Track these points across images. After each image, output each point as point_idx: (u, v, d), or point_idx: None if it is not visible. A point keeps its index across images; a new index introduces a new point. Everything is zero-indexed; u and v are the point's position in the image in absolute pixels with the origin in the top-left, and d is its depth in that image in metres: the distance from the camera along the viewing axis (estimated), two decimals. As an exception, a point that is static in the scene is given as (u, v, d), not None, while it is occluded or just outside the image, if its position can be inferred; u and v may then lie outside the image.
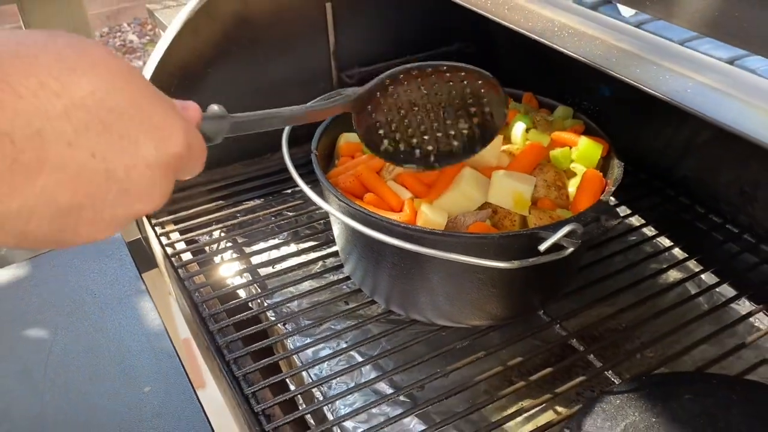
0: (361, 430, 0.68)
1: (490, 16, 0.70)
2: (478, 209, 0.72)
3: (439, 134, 0.70)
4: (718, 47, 0.58)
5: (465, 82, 0.71)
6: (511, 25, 0.67)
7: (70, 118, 0.35)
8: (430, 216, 0.70)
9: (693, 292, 0.85)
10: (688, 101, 0.53)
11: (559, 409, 0.72)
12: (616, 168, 0.75)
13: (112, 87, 0.37)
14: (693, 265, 0.89)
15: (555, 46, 0.63)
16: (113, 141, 0.37)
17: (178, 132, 0.41)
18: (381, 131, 0.69)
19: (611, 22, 0.67)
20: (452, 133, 0.71)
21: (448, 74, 0.70)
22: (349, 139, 0.83)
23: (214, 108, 0.50)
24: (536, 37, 0.65)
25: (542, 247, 0.63)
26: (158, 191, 0.40)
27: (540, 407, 0.70)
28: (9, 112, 0.32)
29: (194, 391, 0.75)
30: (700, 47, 0.58)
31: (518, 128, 0.80)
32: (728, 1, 0.54)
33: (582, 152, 0.78)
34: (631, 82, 0.57)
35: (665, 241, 0.93)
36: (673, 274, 0.90)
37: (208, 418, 0.72)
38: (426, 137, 0.70)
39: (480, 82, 0.71)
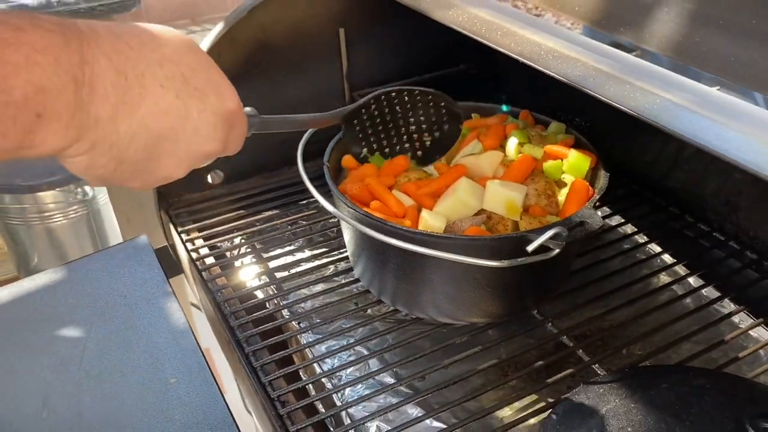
0: (367, 415, 0.74)
1: (485, 42, 0.78)
2: (474, 215, 0.79)
3: (406, 145, 0.88)
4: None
5: (431, 104, 0.86)
6: (503, 50, 0.75)
7: (162, 67, 0.47)
8: (431, 221, 0.77)
9: (680, 293, 0.91)
10: (653, 116, 0.60)
11: (549, 398, 0.78)
12: (602, 178, 0.82)
13: (188, 51, 0.49)
14: (681, 270, 0.95)
15: (540, 68, 0.70)
16: (190, 89, 0.49)
17: (233, 94, 0.53)
18: (363, 140, 0.85)
19: (594, 45, 0.75)
20: (417, 144, 0.88)
21: (418, 97, 0.85)
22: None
23: (247, 108, 0.61)
24: (524, 60, 0.72)
25: (530, 248, 0.70)
26: (219, 135, 0.52)
27: (531, 396, 0.76)
28: (124, 57, 0.44)
29: (216, 382, 0.82)
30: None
31: (512, 143, 0.87)
32: (690, 27, 0.61)
33: (572, 164, 0.85)
34: (605, 99, 0.63)
35: (656, 248, 0.99)
36: (662, 278, 0.95)
37: (228, 407, 0.79)
38: (397, 147, 0.87)
39: (442, 104, 0.87)
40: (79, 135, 0.43)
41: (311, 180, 0.81)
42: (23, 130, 0.39)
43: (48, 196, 1.89)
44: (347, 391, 0.80)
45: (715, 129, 0.57)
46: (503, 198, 0.78)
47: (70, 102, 0.41)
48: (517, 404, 0.77)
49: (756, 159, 0.53)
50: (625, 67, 0.69)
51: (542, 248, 0.70)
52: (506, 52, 0.74)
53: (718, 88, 0.79)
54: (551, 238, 0.69)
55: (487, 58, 1.26)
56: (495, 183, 0.79)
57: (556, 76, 0.68)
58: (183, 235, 1.04)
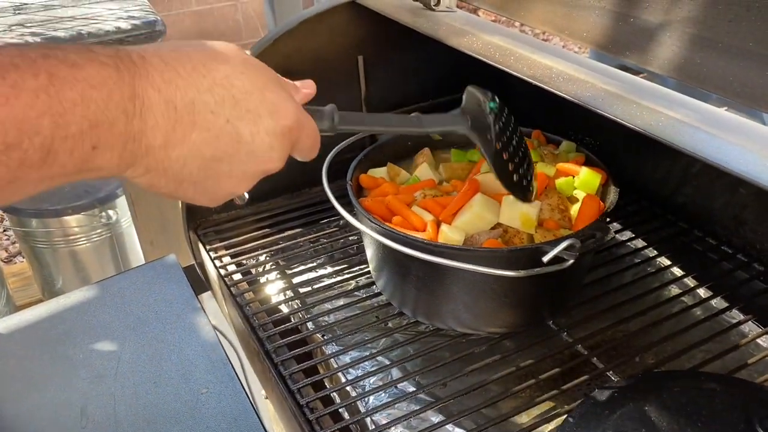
0: (390, 421, 0.78)
1: (499, 66, 0.83)
2: (491, 229, 0.83)
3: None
4: None
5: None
6: (516, 73, 0.80)
7: (213, 93, 0.49)
8: (450, 235, 0.81)
9: (690, 303, 0.94)
10: (659, 132, 0.64)
11: (565, 405, 0.81)
12: (612, 193, 0.86)
13: (240, 73, 0.51)
14: (690, 282, 0.98)
15: (552, 90, 0.75)
16: (242, 113, 0.50)
17: (289, 110, 0.54)
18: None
19: (601, 67, 0.79)
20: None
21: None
22: (372, 174, 0.96)
23: (327, 107, 0.62)
24: (536, 83, 0.77)
25: (545, 258, 0.74)
26: (276, 155, 0.53)
27: (546, 402, 0.80)
28: (173, 87, 0.46)
29: (245, 392, 0.86)
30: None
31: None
32: (691, 50, 0.66)
33: (583, 180, 0.90)
34: (613, 117, 0.68)
35: (666, 261, 1.03)
36: (673, 290, 0.99)
37: (259, 415, 0.83)
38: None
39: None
40: (133, 161, 0.46)
41: (336, 198, 0.86)
42: (80, 159, 0.42)
43: (73, 220, 1.95)
44: (371, 398, 0.83)
45: (716, 143, 0.61)
46: (518, 212, 0.82)
47: (122, 134, 0.44)
48: (535, 410, 0.80)
49: (753, 169, 0.57)
50: (631, 87, 0.73)
51: (557, 259, 0.74)
52: (520, 75, 0.79)
53: (726, 108, 0.83)
54: (565, 249, 0.73)
55: (501, 81, 1.32)
56: (510, 199, 0.83)
57: (567, 96, 0.73)
58: (211, 253, 1.08)
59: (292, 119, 0.54)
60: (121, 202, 1.97)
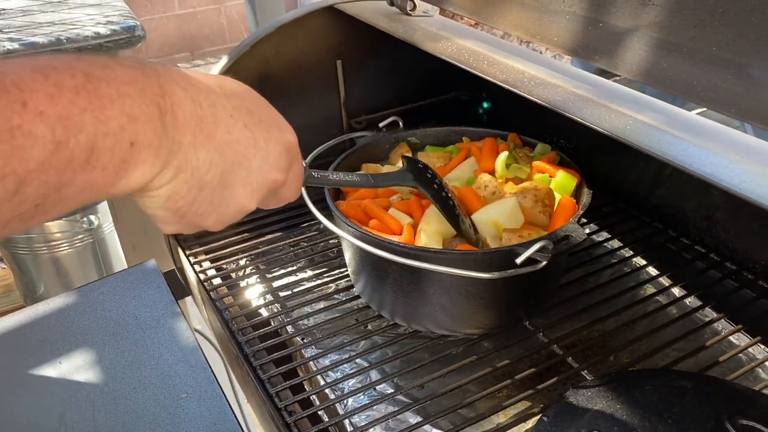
0: (368, 423, 0.79)
1: (472, 71, 0.84)
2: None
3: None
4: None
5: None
6: (488, 77, 0.81)
7: (229, 99, 0.51)
8: (427, 241, 0.82)
9: (664, 302, 0.96)
10: (626, 135, 0.66)
11: (541, 404, 0.82)
12: (585, 195, 0.87)
13: (246, 91, 0.55)
14: (665, 281, 1.00)
15: (523, 94, 0.76)
16: (256, 121, 0.53)
17: (290, 128, 0.57)
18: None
19: (574, 72, 0.81)
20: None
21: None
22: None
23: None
24: (509, 87, 0.78)
25: (518, 260, 0.75)
26: (283, 164, 0.55)
27: (522, 401, 0.81)
28: (195, 89, 0.48)
29: (224, 395, 0.87)
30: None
31: (499, 161, 0.94)
32: (657, 54, 0.67)
33: (559, 183, 0.91)
34: (582, 121, 0.69)
35: (641, 261, 1.04)
36: (648, 289, 1.00)
37: (237, 418, 0.83)
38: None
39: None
40: (167, 161, 0.46)
41: (313, 203, 0.87)
42: (120, 160, 0.42)
43: (54, 226, 1.94)
44: (350, 401, 0.84)
45: (682, 146, 0.63)
46: (491, 223, 0.83)
47: (157, 128, 0.44)
48: (511, 410, 0.81)
49: (718, 171, 0.59)
50: (602, 91, 0.75)
51: (530, 261, 0.75)
52: (492, 79, 0.80)
53: (698, 111, 0.85)
54: (538, 251, 0.74)
55: (478, 85, 1.33)
56: (479, 215, 0.86)
57: (538, 100, 0.74)
58: (191, 258, 1.08)
59: (294, 137, 0.58)
60: (103, 207, 1.96)
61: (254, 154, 0.52)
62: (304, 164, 0.64)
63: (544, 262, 0.76)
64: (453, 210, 0.83)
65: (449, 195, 0.85)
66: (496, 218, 0.85)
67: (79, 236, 1.98)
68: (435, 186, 0.84)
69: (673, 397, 0.74)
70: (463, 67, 0.84)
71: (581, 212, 0.83)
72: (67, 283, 2.04)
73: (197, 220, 0.53)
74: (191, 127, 0.47)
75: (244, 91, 0.54)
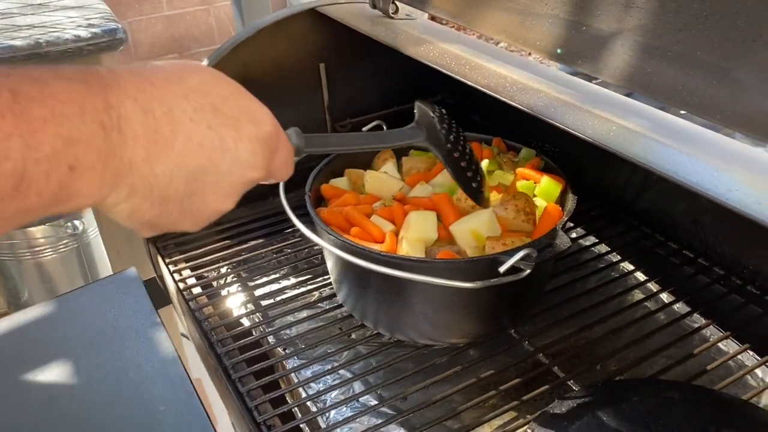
0: (351, 436, 0.77)
1: (454, 75, 0.82)
2: (448, 244, 0.83)
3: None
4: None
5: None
6: (470, 83, 0.79)
7: (189, 100, 0.46)
8: (409, 249, 0.80)
9: (652, 309, 0.94)
10: (608, 142, 0.64)
11: (527, 414, 0.81)
12: (570, 201, 0.85)
13: (215, 81, 0.49)
14: (653, 286, 0.98)
15: (505, 99, 0.74)
16: (221, 119, 0.48)
17: (267, 116, 0.52)
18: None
19: (558, 76, 0.79)
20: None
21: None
22: (334, 184, 0.95)
23: (289, 129, 0.61)
24: (490, 92, 0.76)
25: (501, 269, 0.73)
26: (260, 161, 0.51)
27: (508, 412, 0.79)
28: (148, 95, 0.44)
29: (204, 407, 0.85)
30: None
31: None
32: (641, 58, 0.65)
33: (543, 188, 0.89)
34: (564, 127, 0.67)
35: (629, 266, 1.03)
36: (636, 295, 0.99)
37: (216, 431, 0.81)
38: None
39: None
40: (116, 182, 0.42)
41: (294, 209, 0.85)
42: (57, 185, 0.38)
43: (38, 231, 1.91)
44: (332, 413, 0.82)
45: (667, 152, 0.61)
46: (468, 232, 0.82)
47: (101, 149, 0.40)
48: (497, 421, 0.79)
49: (703, 180, 0.57)
50: (585, 96, 0.73)
51: (514, 269, 0.73)
52: (474, 84, 0.78)
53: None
54: (522, 259, 0.73)
55: (463, 88, 1.31)
56: (456, 225, 0.84)
57: (520, 106, 0.72)
58: (170, 266, 1.06)
59: (272, 125, 0.53)
60: (88, 212, 1.94)
61: (222, 158, 0.48)
62: (295, 135, 0.60)
63: (528, 271, 0.74)
64: (464, 174, 0.79)
65: (466, 156, 0.79)
66: (475, 227, 0.83)
67: (64, 241, 1.96)
68: (449, 145, 0.77)
69: (661, 408, 0.72)
70: (445, 71, 0.82)
71: (566, 219, 0.82)
72: (52, 289, 2.01)
73: (171, 227, 0.50)
74: (143, 142, 0.43)
75: (209, 83, 0.48)
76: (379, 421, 0.79)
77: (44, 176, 0.37)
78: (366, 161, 1.01)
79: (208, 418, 0.83)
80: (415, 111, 0.80)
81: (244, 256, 1.09)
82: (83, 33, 1.41)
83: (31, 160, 0.36)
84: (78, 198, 0.40)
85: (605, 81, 0.76)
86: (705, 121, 0.70)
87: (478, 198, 0.83)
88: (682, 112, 0.70)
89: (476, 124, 1.31)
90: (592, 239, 1.08)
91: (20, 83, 0.37)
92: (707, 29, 0.60)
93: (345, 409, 0.83)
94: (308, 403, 0.83)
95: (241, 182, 0.51)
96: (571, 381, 0.82)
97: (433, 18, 1.02)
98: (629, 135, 0.64)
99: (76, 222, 1.95)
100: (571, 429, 0.71)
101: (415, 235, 0.82)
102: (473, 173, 0.82)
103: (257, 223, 1.16)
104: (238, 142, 0.49)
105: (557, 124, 0.68)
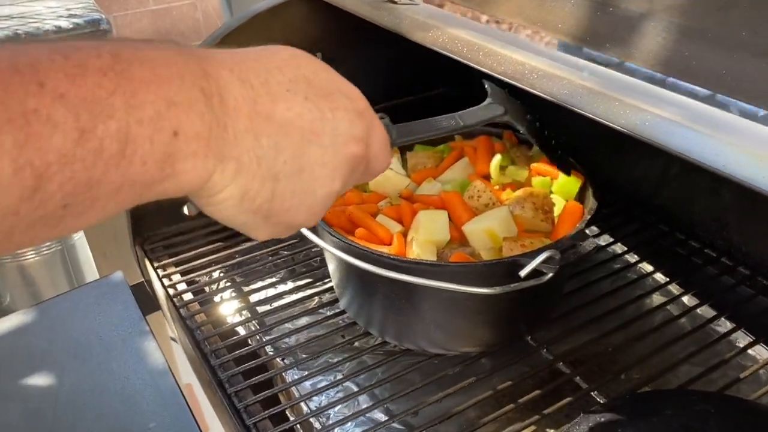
0: (359, 456, 0.71)
1: (467, 62, 0.76)
2: (460, 246, 0.77)
3: None
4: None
5: None
6: (485, 70, 0.73)
7: (283, 72, 0.44)
8: (420, 252, 0.74)
9: (675, 314, 0.89)
10: (646, 133, 0.58)
11: (548, 430, 0.75)
12: (590, 198, 0.79)
13: (303, 56, 0.47)
14: (674, 289, 0.93)
15: (525, 88, 0.68)
16: (317, 90, 0.45)
17: (359, 93, 0.50)
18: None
19: (578, 62, 0.73)
20: None
21: None
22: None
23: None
24: (508, 80, 0.70)
25: (522, 273, 0.67)
26: (359, 133, 0.48)
27: (529, 428, 0.73)
28: (244, 67, 0.42)
29: (197, 424, 0.78)
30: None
31: (493, 165, 0.86)
32: (678, 41, 0.59)
33: (561, 186, 0.83)
34: (594, 117, 0.61)
35: (647, 267, 0.97)
36: (656, 298, 0.93)
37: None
38: None
39: None
40: (222, 154, 0.39)
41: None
42: (162, 153, 0.36)
43: (20, 233, 1.83)
44: (336, 431, 0.76)
45: (711, 144, 0.55)
46: (483, 232, 0.75)
47: (205, 115, 0.38)
48: (515, 437, 0.73)
49: (752, 173, 0.51)
50: (612, 83, 0.67)
51: (535, 272, 0.67)
52: (489, 72, 0.72)
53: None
54: (544, 261, 0.67)
55: (468, 80, 1.25)
56: (469, 225, 0.77)
57: (543, 95, 0.66)
58: (159, 271, 1.00)
59: (364, 101, 0.50)
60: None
61: (323, 128, 0.45)
62: (384, 125, 0.55)
63: (550, 274, 0.68)
64: (549, 142, 0.75)
65: (545, 126, 0.76)
66: (490, 227, 0.77)
67: (47, 244, 1.88)
68: (528, 116, 0.74)
69: (696, 423, 0.66)
70: (457, 58, 0.75)
71: (588, 217, 0.76)
72: (35, 293, 1.94)
73: (288, 218, 0.45)
74: (245, 111, 0.40)
75: (298, 58, 0.46)
76: (389, 438, 0.73)
77: (148, 141, 0.35)
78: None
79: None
80: (486, 87, 0.75)
81: (238, 259, 1.02)
82: (64, 24, 1.34)
83: (135, 121, 0.34)
84: (183, 174, 0.37)
85: (628, 68, 0.70)
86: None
87: (567, 168, 0.80)
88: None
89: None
90: (607, 238, 1.02)
91: (119, 47, 0.35)
92: (752, 7, 0.55)
93: (350, 425, 0.77)
94: (311, 419, 0.76)
95: (345, 157, 0.47)
96: (595, 392, 0.76)
97: (427, 1, 0.95)
98: (666, 125, 0.58)
99: (60, 223, 1.87)
100: (601, 447, 0.65)
101: (426, 236, 0.76)
102: (556, 142, 0.78)
103: (251, 223, 1.10)
104: (335, 112, 0.46)
105: (586, 114, 0.62)
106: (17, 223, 0.32)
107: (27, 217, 0.32)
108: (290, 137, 0.43)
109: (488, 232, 0.76)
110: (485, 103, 0.72)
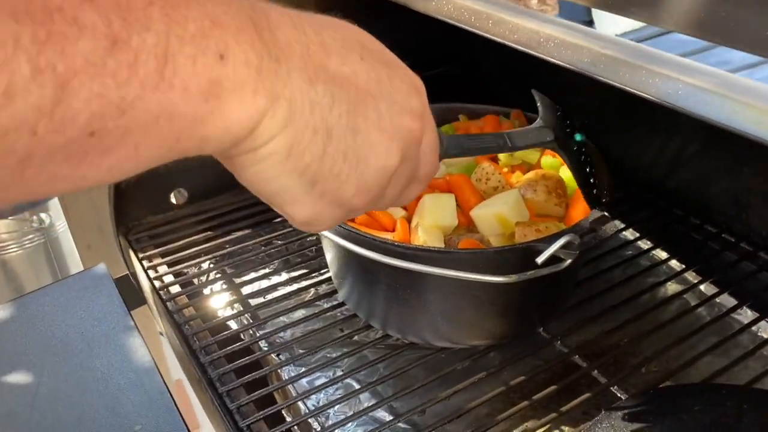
0: (362, 459, 0.65)
1: (475, 31, 0.70)
2: (468, 232, 0.71)
3: None
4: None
5: None
6: (497, 38, 0.67)
7: (337, 31, 0.39)
8: (426, 239, 0.69)
9: (693, 303, 0.84)
10: (681, 102, 0.53)
11: (566, 428, 0.70)
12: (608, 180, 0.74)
13: (355, 27, 0.41)
14: (691, 277, 0.88)
15: (542, 56, 0.63)
16: (373, 55, 0.40)
17: (415, 75, 0.44)
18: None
19: (596, 32, 0.67)
20: None
21: None
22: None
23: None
24: (523, 48, 0.64)
25: (540, 259, 0.62)
26: (416, 106, 0.42)
27: (545, 427, 0.68)
28: (296, 16, 0.36)
29: (187, 427, 0.73)
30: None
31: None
32: (713, 1, 0.54)
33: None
34: (621, 86, 0.56)
35: (662, 254, 0.92)
36: (672, 287, 0.88)
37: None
38: None
39: None
40: (274, 90, 0.33)
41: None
42: (207, 79, 0.30)
43: (1, 226, 1.77)
44: None
45: (751, 114, 0.50)
46: (493, 217, 0.70)
47: (255, 42, 0.32)
48: (532, 437, 0.68)
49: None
50: (634, 52, 0.61)
51: (553, 259, 0.62)
52: (501, 41, 0.66)
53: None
54: (563, 247, 0.61)
55: (470, 58, 1.20)
56: (478, 210, 0.72)
57: (562, 63, 0.60)
58: (144, 262, 0.93)
59: (421, 83, 0.44)
60: (54, 204, 1.79)
61: (379, 92, 0.40)
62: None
63: (569, 261, 0.63)
64: (588, 179, 0.68)
65: (584, 153, 0.69)
66: (501, 212, 0.71)
67: (29, 236, 1.81)
68: (575, 147, 0.67)
69: (729, 420, 0.62)
70: (465, 27, 0.70)
71: (608, 199, 0.70)
72: (18, 288, 1.87)
73: (336, 187, 0.39)
74: (298, 53, 0.34)
75: (349, 25, 0.41)
76: (394, 439, 0.68)
77: (191, 61, 0.29)
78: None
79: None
80: (538, 105, 0.69)
81: (229, 249, 0.96)
82: None
83: (175, 37, 0.28)
84: (230, 111, 0.31)
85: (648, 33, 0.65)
86: None
87: (592, 200, 0.70)
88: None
89: (484, 97, 1.19)
90: (618, 224, 0.97)
91: None
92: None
93: (352, 426, 0.72)
94: (309, 420, 0.71)
95: (402, 129, 0.41)
96: (615, 387, 0.71)
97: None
98: (702, 94, 0.53)
99: (42, 215, 1.80)
100: (626, 447, 0.60)
101: (432, 221, 0.70)
102: (590, 168, 0.69)
103: (242, 212, 1.04)
104: (392, 80, 0.41)
105: (612, 83, 0.57)
106: (34, 149, 0.26)
107: (46, 142, 0.26)
108: (345, 91, 0.37)
109: (498, 216, 0.71)
110: (536, 125, 0.66)
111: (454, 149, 0.54)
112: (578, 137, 0.68)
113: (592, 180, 0.68)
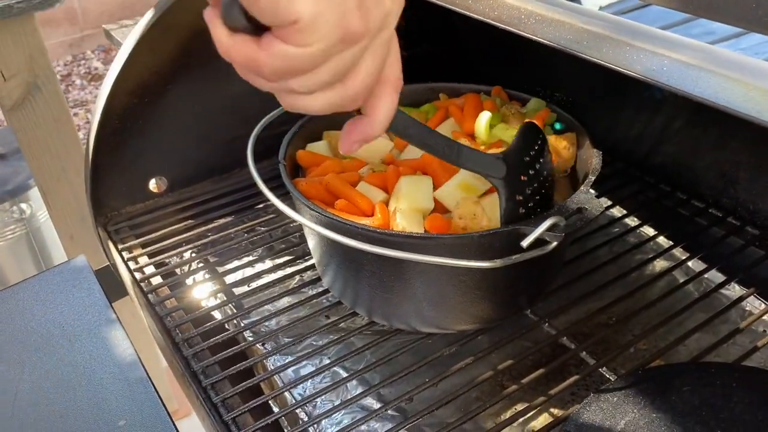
0: (350, 449, 0.64)
1: (455, 8, 0.68)
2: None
3: None
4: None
5: None
6: (477, 16, 0.65)
7: None
8: (405, 224, 0.67)
9: (681, 280, 0.83)
10: (665, 78, 0.51)
11: (555, 411, 0.69)
12: (595, 157, 0.73)
13: None
14: (679, 253, 0.87)
15: (524, 34, 0.61)
16: None
17: None
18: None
19: (578, 7, 0.65)
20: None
21: None
22: (312, 149, 0.81)
23: None
24: (504, 26, 0.62)
25: (525, 242, 0.60)
26: None
27: (535, 410, 0.67)
28: None
29: (172, 420, 0.71)
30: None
31: (481, 122, 0.78)
32: (697, -27, 0.52)
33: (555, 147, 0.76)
34: (605, 63, 0.54)
35: (649, 230, 0.91)
36: (660, 264, 0.88)
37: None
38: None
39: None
40: None
41: (266, 181, 0.70)
42: None
43: (-19, 217, 1.74)
44: (324, 422, 0.69)
45: (739, 90, 0.49)
46: (456, 188, 0.69)
47: None
48: (521, 421, 0.67)
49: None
50: (617, 27, 0.60)
51: (538, 242, 0.61)
52: (481, 18, 0.64)
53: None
54: (548, 229, 0.60)
55: (452, 35, 1.17)
56: (443, 189, 0.71)
57: (544, 41, 0.59)
58: (124, 253, 0.91)
59: None
60: (35, 194, 1.76)
61: None
62: None
63: (555, 243, 0.62)
64: (515, 212, 0.65)
65: (530, 203, 0.66)
66: (464, 179, 0.70)
67: (11, 227, 1.78)
68: (520, 197, 0.65)
69: (718, 399, 0.61)
70: (445, 5, 0.68)
71: (593, 178, 0.69)
72: (1, 279, 1.84)
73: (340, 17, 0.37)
74: None
75: None
76: (384, 428, 0.67)
77: None
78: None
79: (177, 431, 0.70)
80: (516, 135, 0.67)
81: (211, 238, 0.94)
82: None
83: None
84: None
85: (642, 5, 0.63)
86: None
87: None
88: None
89: (468, 75, 1.17)
90: (604, 201, 0.96)
91: None
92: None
93: (339, 415, 0.71)
94: (297, 411, 0.70)
95: None
96: (604, 368, 0.70)
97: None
98: (687, 70, 0.51)
99: (23, 205, 1.77)
100: (617, 429, 0.59)
101: (409, 204, 0.68)
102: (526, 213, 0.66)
103: (224, 199, 1.02)
104: None
105: (594, 60, 0.55)
106: None
107: None
108: None
109: (461, 185, 0.69)
110: (496, 155, 0.65)
111: (399, 126, 0.54)
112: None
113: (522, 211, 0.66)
